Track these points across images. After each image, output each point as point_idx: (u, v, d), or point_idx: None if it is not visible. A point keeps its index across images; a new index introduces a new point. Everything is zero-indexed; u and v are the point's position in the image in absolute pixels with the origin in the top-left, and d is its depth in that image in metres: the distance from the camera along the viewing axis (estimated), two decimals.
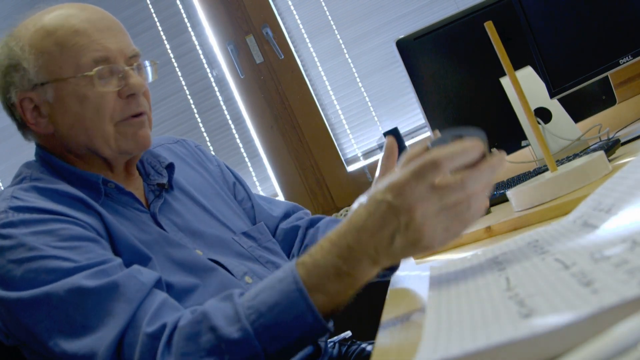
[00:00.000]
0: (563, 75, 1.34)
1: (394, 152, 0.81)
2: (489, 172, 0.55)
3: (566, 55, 1.34)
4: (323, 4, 2.10)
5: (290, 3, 2.11)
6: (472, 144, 0.55)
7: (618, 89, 1.71)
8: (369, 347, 1.04)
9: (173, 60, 2.10)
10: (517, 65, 1.41)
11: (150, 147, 0.94)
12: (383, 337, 0.54)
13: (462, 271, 0.51)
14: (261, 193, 2.05)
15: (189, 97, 2.11)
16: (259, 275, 0.92)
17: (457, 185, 0.54)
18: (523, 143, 1.54)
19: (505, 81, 1.47)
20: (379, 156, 0.87)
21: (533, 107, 1.43)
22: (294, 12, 2.11)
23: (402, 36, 1.52)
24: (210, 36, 2.09)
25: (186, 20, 2.11)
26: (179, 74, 2.10)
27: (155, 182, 0.96)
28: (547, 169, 1.09)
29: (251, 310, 0.64)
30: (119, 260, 0.77)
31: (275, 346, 0.63)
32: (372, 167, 2.01)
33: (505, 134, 1.53)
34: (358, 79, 2.08)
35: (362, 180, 2.01)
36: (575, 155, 1.14)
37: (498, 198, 1.19)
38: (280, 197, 2.05)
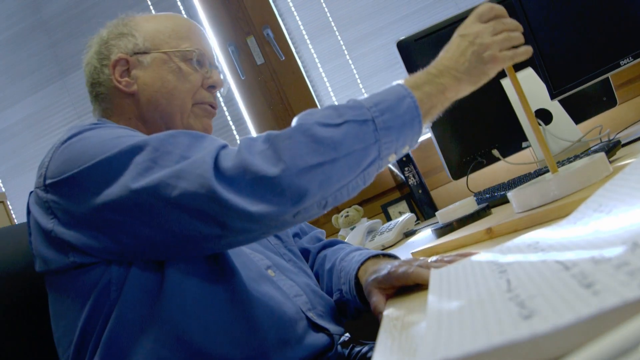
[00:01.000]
0: (564, 77, 1.34)
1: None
2: (519, 30, 0.84)
3: (567, 56, 1.34)
4: (324, 5, 2.10)
5: (291, 4, 2.11)
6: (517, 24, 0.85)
7: (619, 90, 1.71)
8: (370, 353, 1.04)
9: None
10: (518, 67, 1.41)
11: None
12: (383, 338, 0.54)
13: (463, 272, 0.51)
14: None
15: None
16: (282, 269, 0.93)
17: (500, 20, 0.84)
18: (524, 144, 1.54)
19: (506, 82, 1.47)
20: None
21: (534, 109, 1.43)
22: (295, 13, 2.11)
23: (403, 37, 1.52)
24: (211, 37, 2.10)
25: None
26: None
27: None
28: (547, 171, 1.09)
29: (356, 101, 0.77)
30: None
31: (383, 119, 0.74)
32: None
33: (506, 135, 1.53)
34: (359, 80, 2.08)
35: None
36: (576, 157, 1.14)
37: (499, 199, 1.19)
38: None
